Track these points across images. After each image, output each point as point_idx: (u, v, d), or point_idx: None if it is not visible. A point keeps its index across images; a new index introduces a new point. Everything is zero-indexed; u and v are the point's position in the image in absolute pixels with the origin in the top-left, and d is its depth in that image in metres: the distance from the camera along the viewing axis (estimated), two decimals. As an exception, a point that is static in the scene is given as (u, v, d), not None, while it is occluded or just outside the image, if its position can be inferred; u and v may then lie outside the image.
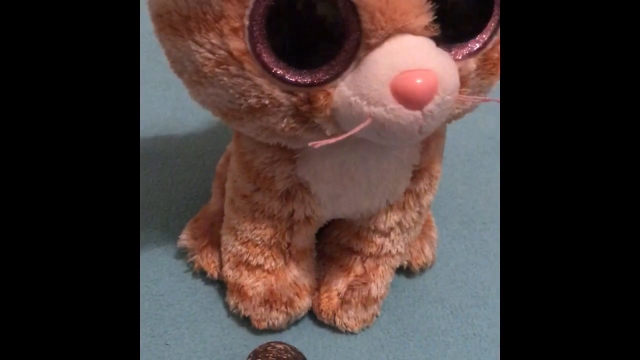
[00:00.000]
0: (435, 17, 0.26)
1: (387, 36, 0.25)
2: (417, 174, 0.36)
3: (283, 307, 0.39)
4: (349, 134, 0.27)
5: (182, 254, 0.45)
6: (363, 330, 0.41)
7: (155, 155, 0.53)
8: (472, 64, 0.28)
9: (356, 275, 0.41)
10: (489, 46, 0.29)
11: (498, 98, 0.26)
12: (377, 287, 0.40)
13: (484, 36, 0.28)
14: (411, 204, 0.38)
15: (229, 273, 0.41)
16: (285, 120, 0.28)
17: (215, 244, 0.43)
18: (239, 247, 0.39)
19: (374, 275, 0.40)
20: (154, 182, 0.51)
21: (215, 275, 0.43)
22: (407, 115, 0.26)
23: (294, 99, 0.27)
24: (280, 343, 0.38)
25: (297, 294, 0.40)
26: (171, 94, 0.60)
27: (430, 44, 0.26)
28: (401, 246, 0.40)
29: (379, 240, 0.39)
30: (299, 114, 0.28)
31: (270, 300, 0.39)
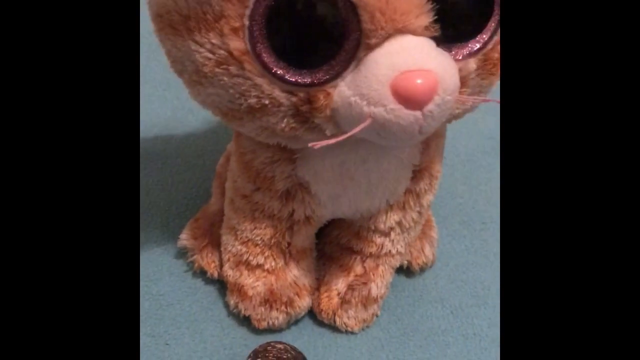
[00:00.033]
0: (436, 17, 0.25)
1: (387, 36, 0.25)
2: (417, 173, 0.36)
3: (283, 307, 0.39)
4: (349, 134, 0.27)
5: (182, 253, 0.45)
6: (363, 330, 0.41)
7: (156, 155, 0.53)
8: (472, 64, 0.28)
9: (356, 275, 0.41)
10: (489, 46, 0.29)
11: (498, 98, 0.26)
12: (377, 286, 0.40)
13: (484, 36, 0.28)
14: (411, 203, 0.38)
15: (229, 273, 0.41)
16: (285, 120, 0.28)
17: (216, 243, 0.43)
18: (239, 247, 0.39)
19: (374, 275, 0.40)
20: (154, 181, 0.51)
21: (216, 275, 0.43)
22: (407, 115, 0.26)
23: (294, 99, 0.27)
24: (281, 343, 0.38)
25: (297, 294, 0.40)
26: (171, 94, 0.60)
27: (431, 44, 0.26)
28: (401, 246, 0.40)
29: (379, 240, 0.39)
30: (299, 114, 0.28)
31: (270, 300, 0.39)
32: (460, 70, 0.28)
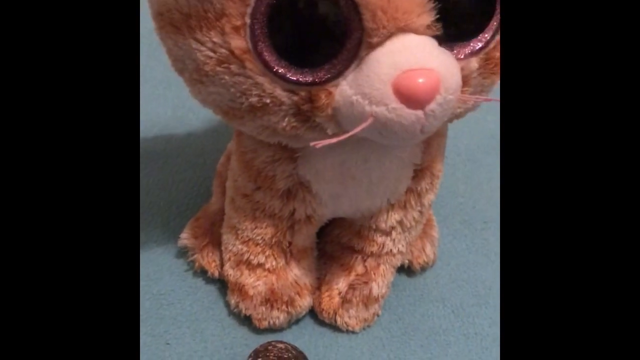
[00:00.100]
0: (438, 16, 0.25)
1: (389, 35, 0.25)
2: (419, 173, 0.36)
3: (284, 306, 0.39)
4: (350, 133, 0.27)
5: (182, 253, 0.45)
6: (364, 329, 0.41)
7: (156, 154, 0.53)
8: (474, 63, 0.28)
9: (357, 275, 0.41)
10: (491, 45, 0.29)
11: (498, 97, 0.26)
12: (378, 286, 0.40)
13: (486, 35, 0.28)
14: (412, 203, 0.37)
15: (230, 272, 0.40)
16: (286, 119, 0.28)
17: (216, 243, 0.43)
18: (240, 246, 0.39)
19: (375, 274, 0.40)
20: (155, 181, 0.50)
21: (216, 274, 0.43)
22: (409, 114, 0.26)
23: (295, 97, 0.27)
24: (281, 342, 0.38)
25: (298, 293, 0.40)
26: (171, 93, 0.60)
27: (433, 43, 0.26)
28: (402, 245, 0.40)
29: (380, 239, 0.39)
30: (300, 113, 0.28)
31: (271, 299, 0.39)
32: (462, 69, 0.28)
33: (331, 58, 0.26)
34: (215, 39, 0.26)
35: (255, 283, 0.39)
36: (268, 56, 0.26)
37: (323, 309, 0.41)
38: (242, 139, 0.35)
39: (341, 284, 0.41)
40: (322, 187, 0.35)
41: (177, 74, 0.30)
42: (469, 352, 0.41)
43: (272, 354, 0.37)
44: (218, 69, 0.27)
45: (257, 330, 0.40)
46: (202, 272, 0.43)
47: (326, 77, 0.26)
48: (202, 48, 0.27)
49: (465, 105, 0.30)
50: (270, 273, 0.39)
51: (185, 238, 0.44)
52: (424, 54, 0.26)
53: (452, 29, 0.27)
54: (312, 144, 0.27)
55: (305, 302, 0.40)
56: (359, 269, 0.41)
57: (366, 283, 0.40)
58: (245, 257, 0.39)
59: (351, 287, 0.40)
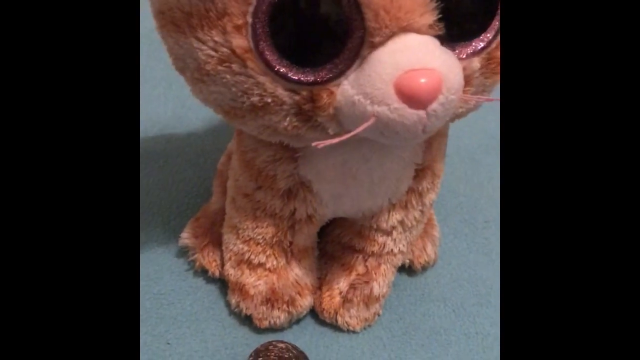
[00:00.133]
0: (440, 15, 0.25)
1: (392, 35, 0.25)
2: (420, 172, 0.36)
3: (285, 306, 0.39)
4: (352, 133, 0.27)
5: (183, 252, 0.44)
6: (365, 329, 0.41)
7: (156, 153, 0.53)
8: (476, 63, 0.28)
9: (358, 274, 0.41)
10: (493, 45, 0.28)
11: (498, 97, 0.26)
12: (379, 285, 0.40)
13: (488, 35, 0.28)
14: (414, 202, 0.37)
15: (231, 272, 0.40)
16: (287, 118, 0.28)
17: (217, 242, 0.43)
18: (241, 246, 0.39)
19: (375, 274, 0.40)
20: (155, 180, 0.50)
21: (217, 274, 0.43)
22: (411, 114, 0.26)
23: (296, 97, 0.27)
24: (282, 342, 0.38)
25: (299, 293, 0.40)
26: (172, 93, 0.60)
27: (435, 42, 0.26)
28: (403, 245, 0.40)
29: (381, 239, 0.39)
30: (301, 113, 0.28)
31: (271, 299, 0.39)
32: (464, 69, 0.28)
33: (333, 57, 0.26)
34: (216, 38, 0.26)
35: (256, 283, 0.39)
36: (269, 55, 0.26)
37: (324, 309, 0.41)
38: (243, 138, 0.35)
39: (342, 283, 0.41)
40: (323, 187, 0.35)
41: (178, 73, 0.30)
42: (469, 351, 0.41)
43: (272, 353, 0.37)
44: (219, 68, 0.27)
45: (258, 330, 0.40)
46: (203, 272, 0.43)
47: (328, 76, 0.26)
48: (204, 47, 0.27)
49: (467, 105, 0.30)
50: (271, 273, 0.39)
51: (185, 237, 0.44)
52: (426, 54, 0.26)
53: (454, 29, 0.26)
54: (313, 144, 0.27)
55: (306, 301, 0.40)
56: (360, 268, 0.41)
57: (367, 283, 0.40)
58: (246, 256, 0.39)
59: (352, 286, 0.40)
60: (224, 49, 0.26)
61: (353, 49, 0.26)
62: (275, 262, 0.39)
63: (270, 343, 0.38)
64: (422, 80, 0.25)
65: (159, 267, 0.44)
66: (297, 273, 0.40)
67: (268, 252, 0.39)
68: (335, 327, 0.41)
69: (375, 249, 0.39)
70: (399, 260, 0.41)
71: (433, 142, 0.36)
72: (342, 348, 0.40)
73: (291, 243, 0.38)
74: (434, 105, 0.26)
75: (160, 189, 0.50)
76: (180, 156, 0.53)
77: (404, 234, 0.39)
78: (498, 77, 0.30)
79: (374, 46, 0.26)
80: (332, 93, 0.27)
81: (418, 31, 0.25)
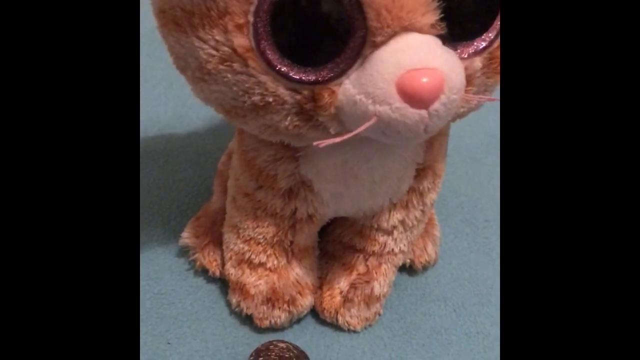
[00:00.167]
0: (442, 15, 0.25)
1: (393, 34, 0.25)
2: (421, 172, 0.36)
3: (285, 306, 0.39)
4: (353, 133, 0.27)
5: (183, 252, 0.44)
6: (365, 328, 0.41)
7: (157, 153, 0.53)
8: (477, 62, 0.28)
9: (359, 274, 0.41)
10: (495, 45, 0.28)
11: (499, 96, 0.26)
12: (380, 285, 0.40)
13: (490, 35, 0.28)
14: (414, 202, 0.37)
15: (231, 271, 0.40)
16: (289, 118, 0.28)
17: (217, 242, 0.43)
18: (241, 245, 0.39)
19: (376, 273, 0.40)
20: (156, 180, 0.50)
21: (217, 273, 0.43)
22: (413, 114, 0.25)
23: (298, 96, 0.27)
24: (283, 342, 0.38)
25: (300, 293, 0.40)
26: (172, 92, 0.60)
27: (437, 42, 0.26)
28: (404, 244, 0.40)
29: (381, 238, 0.39)
30: (303, 112, 0.28)
31: (272, 298, 0.39)
32: (466, 68, 0.28)
33: (334, 57, 0.26)
34: (217, 37, 0.26)
35: (256, 282, 0.39)
36: (271, 54, 0.26)
37: (324, 308, 0.41)
38: (244, 137, 0.35)
39: (343, 283, 0.41)
40: (324, 187, 0.35)
41: (179, 72, 0.30)
42: (470, 351, 0.41)
43: (273, 353, 0.37)
44: (220, 67, 0.27)
45: (259, 330, 0.40)
46: (203, 272, 0.43)
47: (329, 76, 0.26)
48: (205, 46, 0.27)
49: (468, 104, 0.30)
50: (271, 272, 0.39)
51: (186, 237, 0.44)
52: (428, 53, 0.25)
53: (456, 28, 0.26)
54: (315, 143, 0.27)
55: (306, 301, 0.40)
56: (361, 268, 0.41)
57: (368, 282, 0.40)
58: (247, 256, 0.39)
59: (353, 286, 0.40)
60: (225, 48, 0.26)
61: (355, 48, 0.26)
62: (275, 262, 0.39)
63: (271, 343, 0.38)
64: (424, 80, 0.25)
65: (159, 266, 0.44)
66: (297, 272, 0.40)
67: (269, 252, 0.39)
68: (336, 327, 0.41)
69: (376, 248, 0.39)
70: (399, 260, 0.41)
71: (434, 141, 0.35)
72: (343, 348, 0.40)
73: (292, 242, 0.38)
74: (436, 105, 0.25)
75: (161, 188, 0.50)
76: (180, 155, 0.53)
77: (404, 234, 0.39)
78: (499, 77, 0.30)
79: (376, 45, 0.26)
80: (333, 92, 0.27)
81: (420, 30, 0.25)
